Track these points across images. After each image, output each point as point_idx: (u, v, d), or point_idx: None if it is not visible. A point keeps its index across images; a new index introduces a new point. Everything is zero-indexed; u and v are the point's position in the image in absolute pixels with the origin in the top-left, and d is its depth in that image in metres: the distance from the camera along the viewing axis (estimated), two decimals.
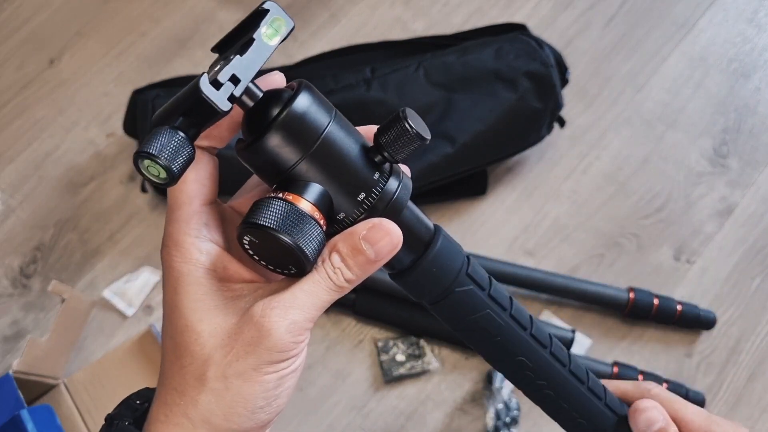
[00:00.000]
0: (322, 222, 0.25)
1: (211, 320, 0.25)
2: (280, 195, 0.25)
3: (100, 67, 0.85)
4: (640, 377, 0.66)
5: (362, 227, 0.26)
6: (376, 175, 0.27)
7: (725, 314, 0.71)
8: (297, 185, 0.25)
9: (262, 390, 0.25)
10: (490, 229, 0.75)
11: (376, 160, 0.27)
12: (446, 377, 0.69)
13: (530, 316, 0.32)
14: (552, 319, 0.71)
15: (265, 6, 0.27)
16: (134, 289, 0.73)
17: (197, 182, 0.26)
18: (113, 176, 0.79)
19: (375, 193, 0.26)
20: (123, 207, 0.77)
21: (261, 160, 0.26)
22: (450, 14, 0.87)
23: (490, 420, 0.65)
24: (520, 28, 0.75)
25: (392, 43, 0.78)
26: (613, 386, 0.36)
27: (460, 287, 0.29)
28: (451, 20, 0.87)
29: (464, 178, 0.73)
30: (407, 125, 0.26)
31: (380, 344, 0.69)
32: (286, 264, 0.25)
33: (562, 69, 0.73)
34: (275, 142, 0.25)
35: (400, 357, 0.68)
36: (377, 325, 0.71)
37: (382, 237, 0.26)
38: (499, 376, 0.66)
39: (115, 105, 0.83)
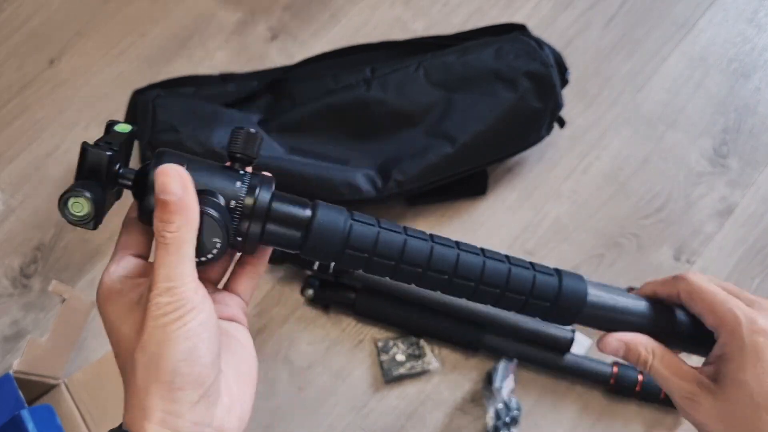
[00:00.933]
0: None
1: (128, 318, 0.31)
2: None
3: (100, 67, 0.85)
4: (640, 377, 0.66)
5: (156, 184, 0.31)
6: (238, 184, 0.33)
7: None
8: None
9: (172, 345, 0.30)
10: (490, 229, 0.76)
11: (238, 171, 0.34)
12: (446, 377, 0.69)
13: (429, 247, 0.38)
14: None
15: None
16: None
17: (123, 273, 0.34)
18: None
19: (241, 199, 0.33)
20: (124, 207, 0.77)
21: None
22: (450, 14, 0.87)
23: (490, 420, 0.65)
24: (520, 28, 0.75)
25: (392, 43, 0.78)
26: (648, 289, 0.40)
27: (351, 249, 0.35)
28: (451, 20, 0.87)
29: (464, 178, 0.73)
30: (240, 129, 0.33)
31: (380, 344, 0.69)
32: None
33: (562, 69, 0.73)
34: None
35: (400, 357, 0.68)
36: (377, 325, 0.71)
37: (164, 178, 0.31)
38: (499, 376, 0.66)
39: (115, 105, 0.83)
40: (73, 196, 0.31)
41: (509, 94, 0.70)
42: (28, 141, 0.82)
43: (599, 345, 0.39)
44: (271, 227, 0.34)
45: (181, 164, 0.32)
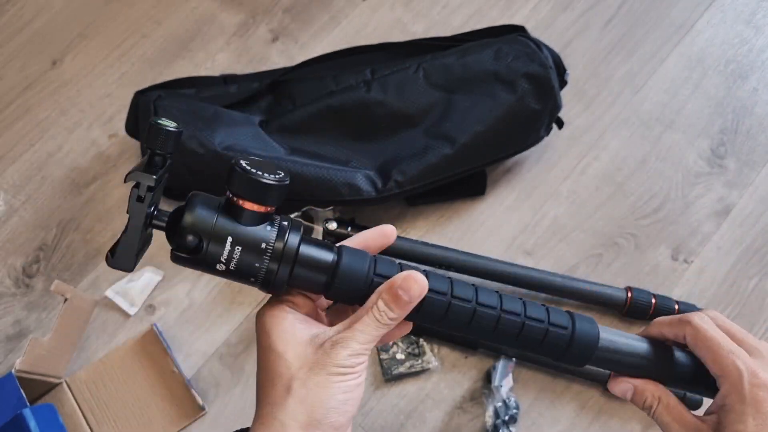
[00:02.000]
0: None
1: (296, 350, 0.35)
2: None
3: (103, 69, 0.86)
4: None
5: (398, 279, 0.35)
6: (268, 228, 0.35)
7: (723, 313, 0.72)
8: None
9: (333, 395, 0.34)
10: (489, 229, 0.76)
11: (267, 218, 0.35)
12: (446, 376, 0.69)
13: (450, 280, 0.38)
14: None
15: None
16: (136, 289, 0.73)
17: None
18: (116, 177, 0.79)
19: (271, 243, 0.34)
20: (125, 207, 0.77)
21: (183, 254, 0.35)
22: (449, 16, 0.88)
23: (489, 418, 0.66)
24: (519, 30, 0.76)
25: (392, 44, 0.79)
26: (656, 330, 0.42)
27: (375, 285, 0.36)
28: (450, 22, 0.87)
29: (463, 179, 0.73)
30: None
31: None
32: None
33: (561, 70, 0.74)
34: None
35: (400, 356, 0.69)
36: None
37: (413, 284, 0.35)
38: (498, 375, 0.67)
39: (117, 106, 0.84)
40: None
41: (508, 95, 0.71)
42: (30, 141, 0.82)
43: (609, 385, 0.41)
44: (299, 271, 0.36)
45: (212, 207, 0.34)
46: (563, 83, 0.74)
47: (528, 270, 0.70)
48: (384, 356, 0.69)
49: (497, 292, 0.39)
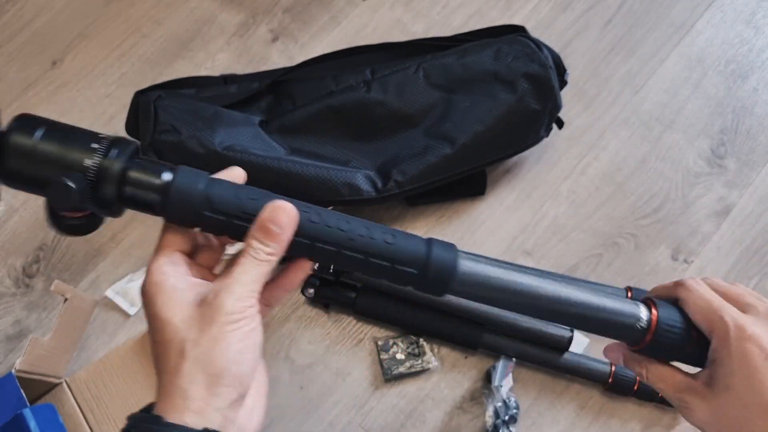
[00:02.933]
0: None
1: (182, 312, 0.33)
2: None
3: (103, 69, 0.86)
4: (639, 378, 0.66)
5: (265, 213, 0.34)
6: (94, 145, 0.34)
7: None
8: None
9: (228, 345, 0.32)
10: (489, 229, 0.76)
11: (96, 138, 0.34)
12: (446, 376, 0.69)
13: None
14: None
15: None
16: (136, 289, 0.73)
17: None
18: None
19: (92, 161, 0.33)
20: None
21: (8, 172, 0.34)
22: (449, 16, 0.88)
23: (489, 418, 0.66)
24: (519, 30, 0.76)
25: (392, 44, 0.79)
26: (654, 293, 0.42)
27: (211, 212, 0.35)
28: (450, 22, 0.87)
29: (463, 179, 0.73)
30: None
31: (380, 343, 0.70)
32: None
33: (561, 70, 0.74)
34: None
35: (400, 356, 0.69)
36: (377, 324, 0.72)
37: (280, 214, 0.34)
38: (498, 375, 0.67)
39: (117, 106, 0.84)
40: None
41: (508, 96, 0.71)
42: None
43: (604, 350, 0.43)
44: (129, 190, 0.35)
45: (40, 127, 0.34)
46: (563, 83, 0.74)
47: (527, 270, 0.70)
48: (384, 356, 0.69)
49: (370, 224, 0.37)
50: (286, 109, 0.76)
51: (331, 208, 0.70)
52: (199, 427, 0.31)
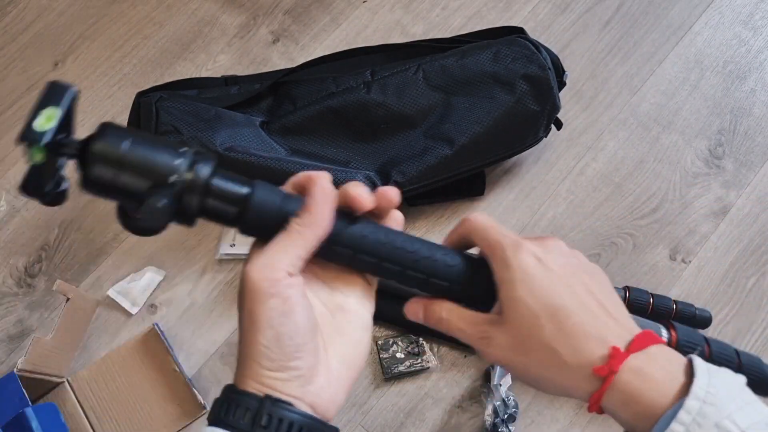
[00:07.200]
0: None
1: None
2: None
3: (104, 70, 0.86)
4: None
5: (295, 178, 0.36)
6: (178, 161, 0.34)
7: (720, 313, 0.72)
8: None
9: (264, 329, 0.32)
10: None
11: (179, 151, 0.34)
12: (445, 375, 0.70)
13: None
14: None
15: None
16: (138, 289, 0.74)
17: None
18: None
19: (178, 175, 0.34)
20: None
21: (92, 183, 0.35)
22: (449, 18, 0.88)
23: (488, 417, 0.66)
24: (517, 32, 0.76)
25: (392, 46, 0.79)
26: (449, 239, 0.41)
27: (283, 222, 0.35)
28: (449, 24, 0.88)
29: (463, 180, 0.74)
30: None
31: (380, 342, 0.70)
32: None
33: (560, 72, 0.74)
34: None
35: (400, 355, 0.69)
36: (377, 323, 0.72)
37: (315, 182, 0.34)
38: (497, 374, 0.67)
39: (119, 107, 0.84)
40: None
41: (507, 97, 0.71)
42: None
43: (405, 310, 0.41)
44: (211, 202, 0.35)
45: (126, 138, 0.34)
46: (562, 84, 0.75)
47: None
48: (384, 355, 0.69)
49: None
50: (287, 110, 0.76)
51: None
52: (261, 393, 0.32)
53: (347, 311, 0.37)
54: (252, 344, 0.33)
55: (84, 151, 0.34)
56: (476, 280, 0.39)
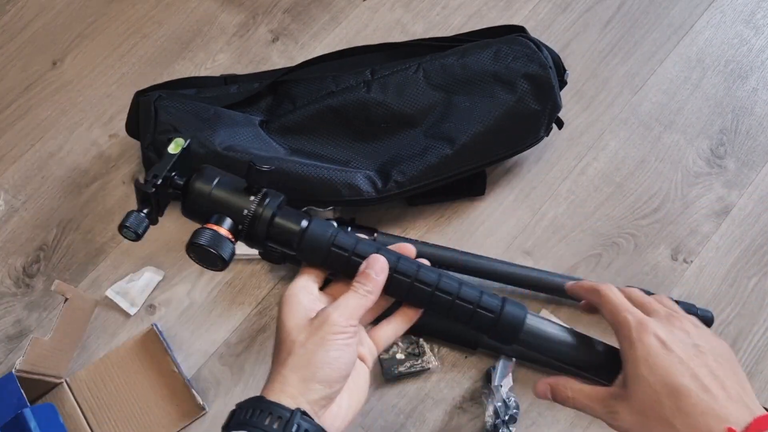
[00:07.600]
0: (230, 237, 0.43)
1: (298, 321, 0.42)
2: (207, 226, 0.43)
3: (103, 69, 0.86)
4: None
5: (365, 263, 0.44)
6: (251, 198, 0.45)
7: (722, 313, 0.72)
8: (215, 220, 0.44)
9: (327, 351, 0.40)
10: (488, 229, 0.76)
11: (251, 191, 0.45)
12: (445, 376, 0.70)
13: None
14: (550, 317, 0.71)
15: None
16: (137, 289, 0.74)
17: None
18: (116, 177, 0.80)
19: (250, 210, 0.44)
20: (126, 207, 0.78)
21: (189, 210, 0.46)
22: (449, 17, 0.88)
23: (488, 418, 0.66)
24: (518, 30, 0.76)
25: (392, 45, 0.79)
26: (576, 290, 0.48)
27: (335, 248, 0.45)
28: (450, 23, 0.88)
29: (463, 179, 0.73)
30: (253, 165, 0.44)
31: None
32: (212, 263, 0.44)
33: (561, 71, 0.74)
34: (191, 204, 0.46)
35: (400, 356, 0.69)
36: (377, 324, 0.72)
37: (375, 263, 0.44)
38: (497, 375, 0.67)
39: (117, 106, 0.84)
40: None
41: (508, 96, 0.71)
42: (31, 141, 0.82)
43: (534, 392, 0.47)
44: (274, 231, 0.45)
45: (216, 178, 0.45)
46: (563, 84, 0.74)
47: (527, 270, 0.70)
48: (384, 356, 0.69)
49: (440, 271, 0.45)
50: (287, 110, 0.76)
51: (331, 208, 0.71)
52: (293, 407, 0.38)
53: (362, 361, 0.46)
54: (309, 364, 0.40)
55: (185, 190, 0.45)
56: (598, 356, 0.45)
